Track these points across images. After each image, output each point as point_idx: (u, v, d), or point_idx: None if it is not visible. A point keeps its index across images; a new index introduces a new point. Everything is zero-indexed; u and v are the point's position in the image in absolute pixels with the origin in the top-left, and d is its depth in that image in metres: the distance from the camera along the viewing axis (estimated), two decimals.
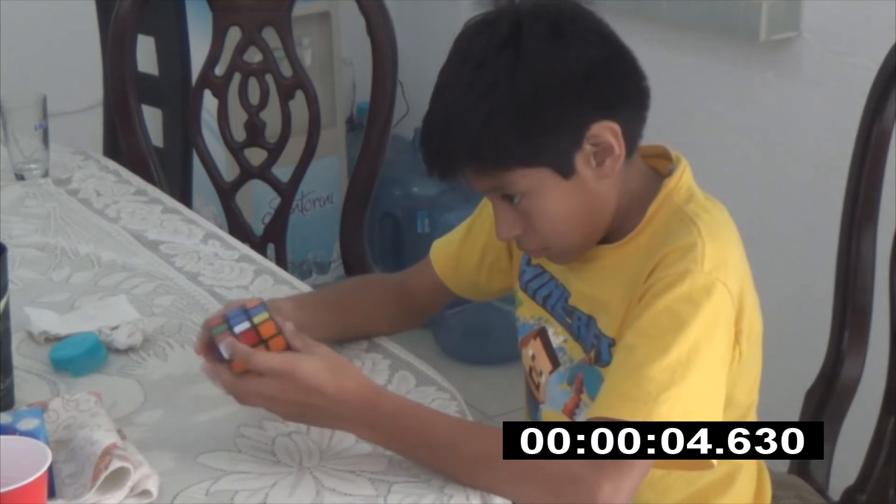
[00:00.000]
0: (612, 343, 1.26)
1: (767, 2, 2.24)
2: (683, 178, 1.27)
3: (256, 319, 1.17)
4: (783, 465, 1.62)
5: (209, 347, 1.19)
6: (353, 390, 1.16)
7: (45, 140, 1.96)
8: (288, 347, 1.17)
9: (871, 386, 1.58)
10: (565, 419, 1.33)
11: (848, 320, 1.58)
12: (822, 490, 1.60)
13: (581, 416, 1.31)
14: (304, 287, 1.57)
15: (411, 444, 1.16)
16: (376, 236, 3.20)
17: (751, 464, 1.38)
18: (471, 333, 3.03)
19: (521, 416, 1.47)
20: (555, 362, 1.35)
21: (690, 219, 1.23)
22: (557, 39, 1.21)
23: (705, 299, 1.17)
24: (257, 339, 1.16)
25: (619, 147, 1.22)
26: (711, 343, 1.17)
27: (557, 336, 1.35)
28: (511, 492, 1.13)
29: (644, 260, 1.23)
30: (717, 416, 1.17)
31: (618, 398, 1.16)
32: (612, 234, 1.29)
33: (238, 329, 1.17)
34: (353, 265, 2.06)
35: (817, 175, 2.28)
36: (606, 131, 1.22)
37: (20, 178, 1.96)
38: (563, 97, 1.20)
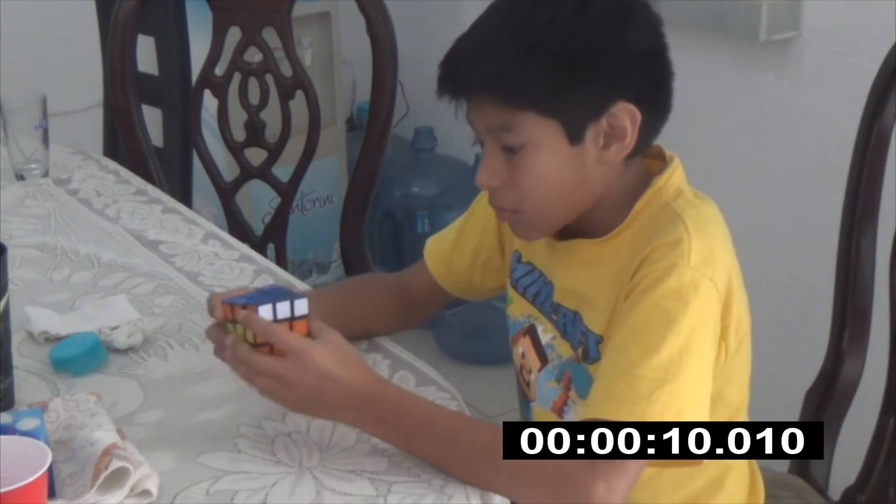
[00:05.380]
0: (599, 340, 1.26)
1: (767, 2, 2.24)
2: (674, 177, 1.27)
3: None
4: (783, 465, 1.62)
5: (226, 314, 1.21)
6: (359, 380, 1.17)
7: (45, 140, 1.96)
8: (309, 333, 1.18)
9: (871, 386, 1.58)
10: (555, 417, 1.33)
11: (848, 320, 1.58)
12: (822, 490, 1.60)
13: (570, 414, 1.31)
14: (304, 287, 1.57)
15: (412, 436, 1.17)
16: (376, 236, 3.20)
17: (742, 465, 1.37)
18: (471, 333, 3.03)
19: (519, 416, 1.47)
20: (543, 359, 1.35)
21: (677, 214, 1.22)
22: (623, 13, 1.22)
23: (693, 295, 1.17)
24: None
25: (630, 136, 1.22)
26: (701, 339, 1.17)
27: (546, 333, 1.35)
28: (508, 489, 1.14)
29: (629, 256, 1.22)
30: (706, 413, 1.17)
31: (612, 400, 1.15)
32: (596, 229, 1.28)
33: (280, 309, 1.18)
34: (353, 265, 2.07)
35: (817, 175, 2.28)
36: (626, 115, 1.21)
37: (20, 178, 1.96)
38: (605, 65, 1.21)
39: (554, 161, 1.22)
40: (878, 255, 1.56)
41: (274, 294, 1.20)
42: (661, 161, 1.30)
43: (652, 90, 1.25)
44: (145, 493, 1.10)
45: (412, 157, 3.24)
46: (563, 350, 1.32)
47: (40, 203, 1.87)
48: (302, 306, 1.18)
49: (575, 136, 1.22)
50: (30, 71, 2.88)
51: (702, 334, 1.18)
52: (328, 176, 3.18)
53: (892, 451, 1.50)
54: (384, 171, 2.04)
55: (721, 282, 1.20)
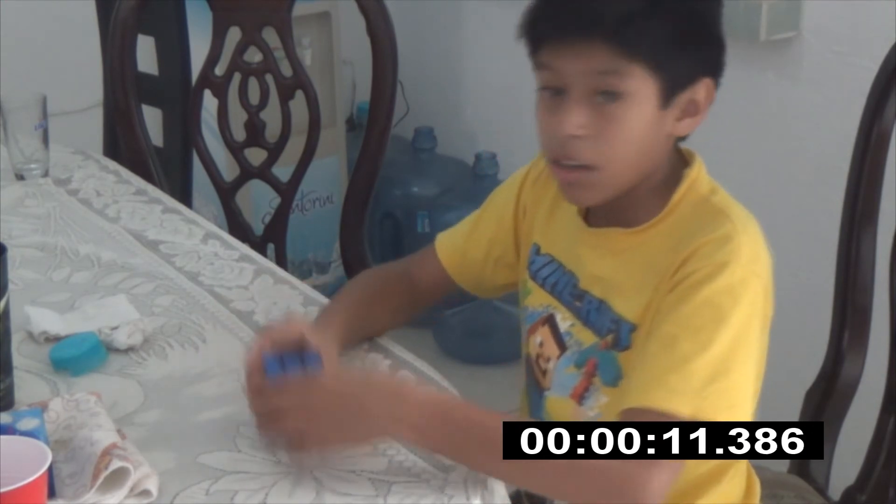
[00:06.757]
0: (632, 328, 1.26)
1: (767, 2, 2.24)
2: (702, 171, 1.29)
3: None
4: (783, 465, 1.62)
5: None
6: (381, 381, 1.21)
7: (45, 140, 1.96)
8: None
9: (871, 386, 1.58)
10: (573, 403, 1.33)
11: (848, 320, 1.58)
12: (822, 490, 1.60)
13: (590, 400, 1.31)
14: (304, 287, 1.57)
15: (443, 436, 1.16)
16: (376, 236, 3.20)
17: (740, 463, 1.38)
18: (471, 333, 3.03)
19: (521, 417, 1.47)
20: (562, 347, 1.35)
21: (722, 210, 1.24)
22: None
23: (744, 292, 1.19)
24: None
25: (702, 115, 1.25)
26: (749, 336, 1.19)
27: (565, 321, 1.36)
28: (554, 488, 1.16)
29: (669, 249, 1.23)
30: (752, 408, 1.20)
31: (663, 390, 1.16)
32: (632, 215, 1.29)
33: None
34: (353, 265, 2.07)
35: (817, 175, 2.28)
36: (706, 93, 1.25)
37: (20, 178, 1.96)
38: (711, 38, 1.25)
39: (643, 120, 1.23)
40: (878, 255, 1.56)
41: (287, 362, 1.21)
42: (680, 154, 1.31)
43: (721, 77, 1.28)
44: (145, 493, 1.10)
45: (412, 157, 3.24)
46: (583, 337, 1.33)
47: (40, 203, 1.87)
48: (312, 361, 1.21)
49: (666, 99, 1.23)
50: (30, 71, 2.88)
51: (750, 331, 1.20)
52: (328, 176, 3.18)
53: (892, 451, 1.50)
54: (384, 171, 2.04)
55: (767, 279, 1.23)
